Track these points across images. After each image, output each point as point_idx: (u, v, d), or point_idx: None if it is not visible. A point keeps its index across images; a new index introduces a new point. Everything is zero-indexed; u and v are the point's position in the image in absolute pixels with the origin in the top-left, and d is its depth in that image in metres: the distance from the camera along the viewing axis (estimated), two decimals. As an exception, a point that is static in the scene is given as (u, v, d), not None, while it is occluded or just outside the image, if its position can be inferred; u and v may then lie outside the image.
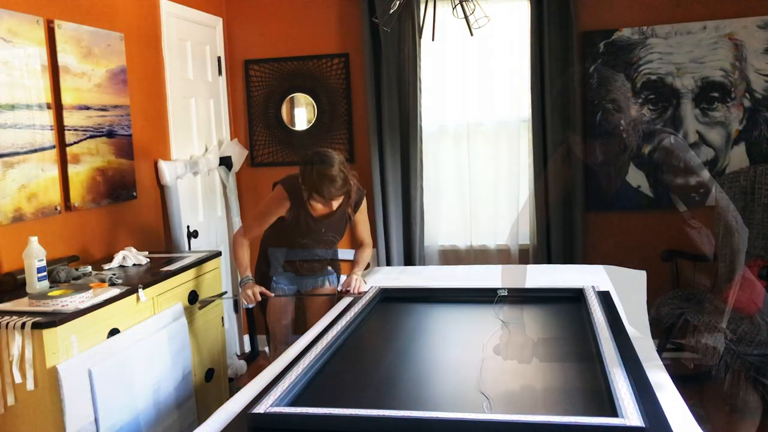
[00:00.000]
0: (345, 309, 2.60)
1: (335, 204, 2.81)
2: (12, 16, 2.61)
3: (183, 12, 3.96)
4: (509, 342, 2.17)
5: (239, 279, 2.99)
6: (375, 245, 4.42)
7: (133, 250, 3.10)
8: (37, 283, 2.44)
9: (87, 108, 3.04)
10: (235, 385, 3.84)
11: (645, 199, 4.11)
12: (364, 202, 3.07)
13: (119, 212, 3.32)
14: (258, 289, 2.91)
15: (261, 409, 1.61)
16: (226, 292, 3.47)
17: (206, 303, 3.16)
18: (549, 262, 4.14)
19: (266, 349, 4.58)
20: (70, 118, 2.93)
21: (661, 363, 2.00)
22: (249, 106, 4.52)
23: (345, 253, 4.42)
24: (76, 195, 2.96)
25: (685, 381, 3.68)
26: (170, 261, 3.09)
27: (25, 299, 2.34)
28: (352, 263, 3.10)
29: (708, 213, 4.05)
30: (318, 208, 2.86)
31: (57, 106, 2.88)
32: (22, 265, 2.49)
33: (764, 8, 3.88)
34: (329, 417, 1.57)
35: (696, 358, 3.68)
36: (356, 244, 3.15)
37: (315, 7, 4.38)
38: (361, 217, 3.08)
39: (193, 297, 3.05)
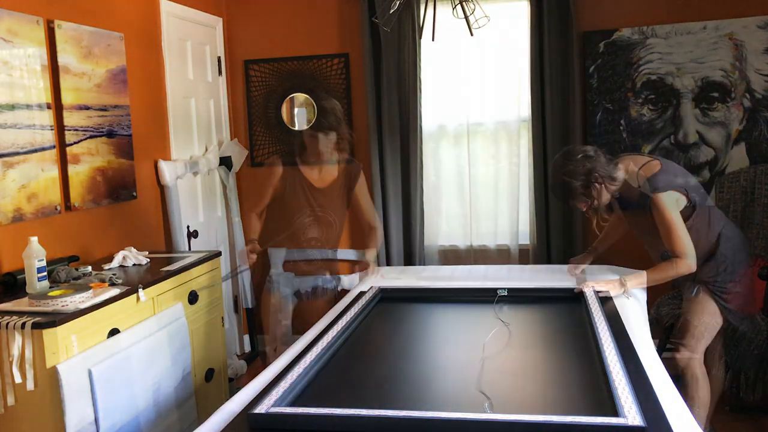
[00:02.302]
0: (345, 309, 2.59)
1: (328, 174, 2.86)
2: (12, 16, 2.61)
3: (183, 12, 3.96)
4: (509, 342, 2.17)
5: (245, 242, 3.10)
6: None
7: (133, 250, 3.10)
8: (37, 283, 2.44)
9: (87, 108, 3.04)
10: (235, 385, 3.84)
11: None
12: (362, 177, 3.13)
13: (119, 212, 3.31)
14: (254, 254, 3.01)
15: (262, 409, 1.60)
16: (248, 268, 3.47)
17: (234, 275, 3.26)
18: (549, 262, 4.14)
19: (266, 349, 4.58)
20: (70, 118, 2.93)
21: (661, 363, 2.00)
22: (249, 106, 4.52)
23: (344, 254, 4.42)
24: (76, 195, 2.96)
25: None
26: (170, 261, 3.09)
27: (25, 299, 2.34)
28: (365, 253, 3.14)
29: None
30: (313, 176, 2.94)
31: (57, 106, 2.87)
32: (22, 265, 2.49)
33: (764, 8, 3.88)
34: (330, 417, 1.57)
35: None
36: (364, 227, 3.18)
37: (315, 7, 4.38)
38: (362, 192, 3.11)
39: (193, 297, 3.05)
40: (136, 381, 2.52)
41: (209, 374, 3.18)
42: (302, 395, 1.78)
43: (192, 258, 3.15)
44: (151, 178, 3.61)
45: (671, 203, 2.56)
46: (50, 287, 2.48)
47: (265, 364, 2.87)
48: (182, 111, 3.95)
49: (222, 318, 3.38)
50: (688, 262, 2.56)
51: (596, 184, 2.57)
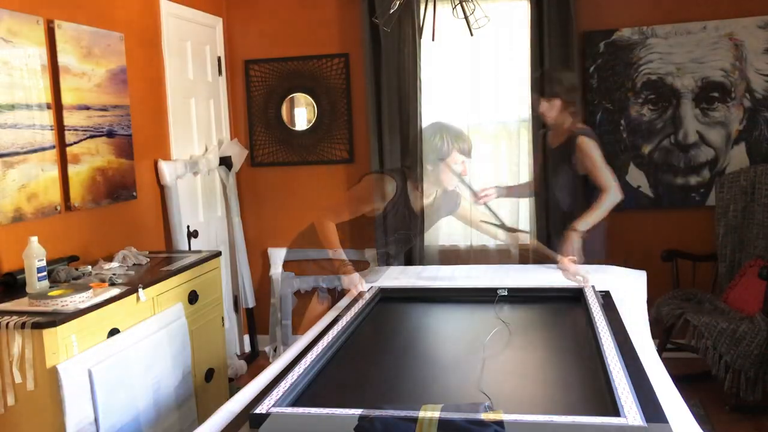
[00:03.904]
0: (345, 309, 2.59)
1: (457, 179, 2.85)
2: (12, 16, 2.61)
3: (183, 12, 3.96)
4: (509, 342, 2.17)
5: (338, 268, 2.75)
6: (374, 245, 4.42)
7: (133, 250, 3.10)
8: (37, 283, 2.44)
9: (87, 108, 3.04)
10: (235, 385, 3.84)
11: (645, 199, 4.11)
12: None
13: (119, 212, 3.31)
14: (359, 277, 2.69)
15: (262, 409, 1.60)
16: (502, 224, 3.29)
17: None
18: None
19: (267, 349, 4.58)
20: (70, 118, 2.93)
21: (661, 363, 2.00)
22: (249, 106, 4.52)
23: (346, 253, 4.42)
24: (76, 195, 2.96)
25: (685, 381, 3.68)
26: (170, 261, 3.09)
27: (25, 299, 2.34)
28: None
29: (708, 213, 4.05)
30: (417, 200, 2.89)
31: (57, 106, 2.87)
32: (22, 265, 2.49)
33: (764, 8, 3.88)
34: (330, 417, 1.56)
35: (696, 358, 3.68)
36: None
37: (315, 7, 4.38)
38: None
39: (193, 297, 3.05)
40: (136, 381, 2.52)
41: (209, 374, 3.18)
42: (303, 395, 1.78)
43: (192, 258, 3.15)
44: (151, 178, 3.61)
45: (595, 146, 3.16)
46: (50, 287, 2.48)
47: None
48: (182, 111, 3.95)
49: (222, 318, 3.38)
50: (615, 192, 3.12)
51: (564, 98, 3.19)
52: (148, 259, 3.10)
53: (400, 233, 2.97)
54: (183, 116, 3.96)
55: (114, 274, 2.71)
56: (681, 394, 1.74)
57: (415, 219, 2.93)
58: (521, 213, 4.23)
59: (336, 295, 3.14)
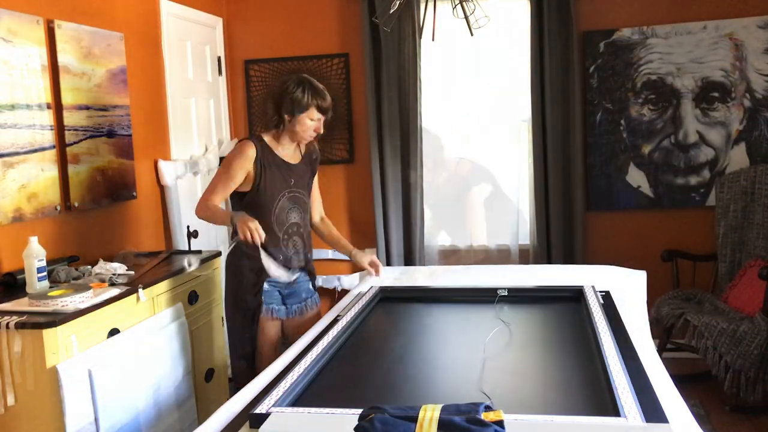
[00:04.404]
0: (345, 309, 2.59)
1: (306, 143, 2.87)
2: (12, 16, 2.61)
3: (183, 12, 3.95)
4: (509, 342, 2.17)
5: (230, 220, 2.56)
6: (375, 245, 4.43)
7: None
8: (37, 283, 2.44)
9: (87, 108, 3.04)
10: (235, 385, 3.84)
11: (645, 199, 4.12)
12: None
13: (119, 212, 3.31)
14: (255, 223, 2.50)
15: (263, 409, 1.60)
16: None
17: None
18: (549, 262, 4.14)
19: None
20: (70, 118, 2.93)
21: (661, 363, 2.00)
22: (249, 106, 4.52)
23: (334, 254, 4.41)
24: (76, 195, 2.96)
25: (685, 381, 3.68)
26: (170, 261, 3.09)
27: (25, 299, 2.34)
28: (340, 245, 3.04)
29: (708, 213, 4.05)
30: (287, 152, 2.84)
31: (57, 106, 2.87)
32: (22, 265, 2.49)
33: (764, 8, 3.88)
34: (330, 417, 1.57)
35: (696, 358, 3.68)
36: (317, 218, 3.07)
37: (315, 7, 4.38)
38: (317, 185, 3.09)
39: (193, 297, 3.04)
40: (136, 381, 2.52)
41: (209, 374, 3.18)
42: (303, 395, 1.78)
43: (192, 258, 3.15)
44: (151, 178, 3.61)
45: None
46: (50, 287, 2.48)
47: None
48: (182, 111, 3.95)
49: (222, 318, 3.37)
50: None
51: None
52: (148, 260, 3.09)
53: (290, 188, 2.83)
54: (183, 116, 3.96)
55: (114, 274, 2.71)
56: (681, 394, 1.74)
57: (294, 169, 2.86)
58: (521, 217, 4.23)
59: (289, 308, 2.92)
